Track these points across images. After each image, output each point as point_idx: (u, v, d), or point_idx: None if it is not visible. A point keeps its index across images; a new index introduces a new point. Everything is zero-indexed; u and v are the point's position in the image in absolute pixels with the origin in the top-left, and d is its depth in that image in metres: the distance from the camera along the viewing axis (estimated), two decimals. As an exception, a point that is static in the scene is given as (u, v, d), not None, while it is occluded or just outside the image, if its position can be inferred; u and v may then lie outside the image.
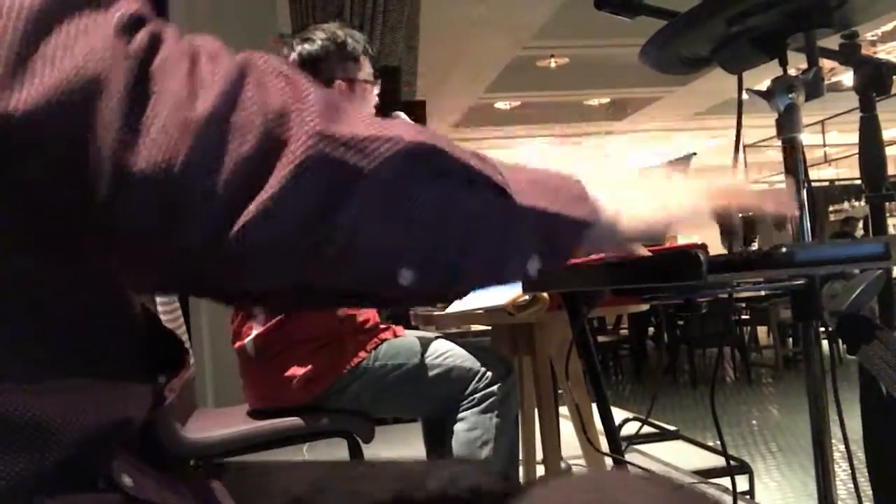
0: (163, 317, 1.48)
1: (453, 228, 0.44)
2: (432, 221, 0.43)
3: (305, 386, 1.65)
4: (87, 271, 0.47)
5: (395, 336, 1.73)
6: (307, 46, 1.72)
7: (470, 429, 1.64)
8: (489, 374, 1.66)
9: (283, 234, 0.38)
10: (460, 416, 1.65)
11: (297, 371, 1.65)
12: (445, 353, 1.68)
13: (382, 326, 1.74)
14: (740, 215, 0.55)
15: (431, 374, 1.66)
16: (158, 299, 1.50)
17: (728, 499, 1.14)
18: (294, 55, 1.72)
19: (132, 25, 0.36)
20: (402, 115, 1.82)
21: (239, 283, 0.42)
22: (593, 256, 0.67)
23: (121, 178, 0.34)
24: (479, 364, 1.67)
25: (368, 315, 1.77)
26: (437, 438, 1.72)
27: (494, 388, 1.66)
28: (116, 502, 0.45)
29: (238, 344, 1.75)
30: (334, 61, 1.71)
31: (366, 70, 1.75)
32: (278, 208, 0.37)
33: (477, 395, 1.65)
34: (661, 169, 0.57)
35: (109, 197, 0.34)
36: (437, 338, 1.79)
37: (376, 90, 1.79)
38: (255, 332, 1.71)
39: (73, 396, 0.43)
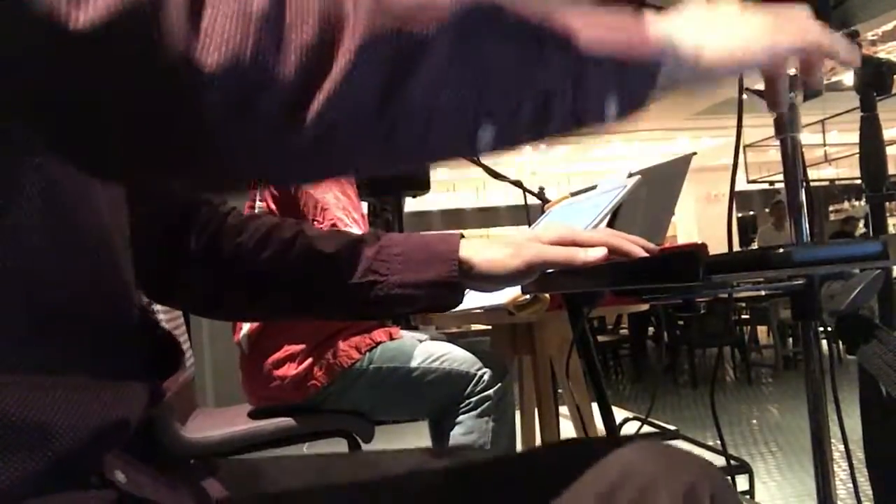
0: (162, 317, 1.48)
1: (522, 81, 0.44)
2: (500, 77, 0.43)
3: (298, 386, 1.65)
4: (87, 269, 0.47)
5: (391, 338, 1.73)
6: None
7: (466, 433, 1.64)
8: (485, 377, 1.66)
9: (357, 111, 0.39)
10: (457, 420, 1.65)
11: (289, 370, 1.65)
12: (442, 356, 1.68)
13: (377, 327, 1.74)
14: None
15: (427, 378, 1.66)
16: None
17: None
18: None
19: None
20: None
21: (325, 168, 0.43)
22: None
23: (195, 76, 0.35)
24: (475, 367, 1.67)
25: None
26: (443, 438, 1.72)
27: (490, 391, 1.66)
28: (110, 499, 0.45)
29: (236, 337, 1.76)
30: None
31: None
32: (347, 88, 0.38)
33: (473, 399, 1.65)
34: (737, 5, 0.56)
35: (187, 96, 0.35)
36: (433, 339, 1.79)
37: None
38: (247, 326, 1.72)
39: (69, 396, 0.44)
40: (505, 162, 10.81)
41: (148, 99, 0.35)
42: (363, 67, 0.38)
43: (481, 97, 0.43)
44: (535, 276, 0.71)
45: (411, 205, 4.09)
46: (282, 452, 1.65)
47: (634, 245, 0.71)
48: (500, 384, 1.68)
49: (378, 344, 1.69)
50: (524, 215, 2.23)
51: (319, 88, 0.37)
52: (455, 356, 1.69)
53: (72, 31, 0.33)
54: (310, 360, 1.65)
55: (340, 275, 0.70)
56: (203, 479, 0.59)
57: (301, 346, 1.66)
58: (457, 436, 1.65)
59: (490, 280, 0.71)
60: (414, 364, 1.67)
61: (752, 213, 13.21)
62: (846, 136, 9.54)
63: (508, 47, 0.43)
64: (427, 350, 1.69)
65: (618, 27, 0.48)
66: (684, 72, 0.51)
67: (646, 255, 0.71)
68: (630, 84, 0.49)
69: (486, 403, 1.65)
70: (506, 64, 0.43)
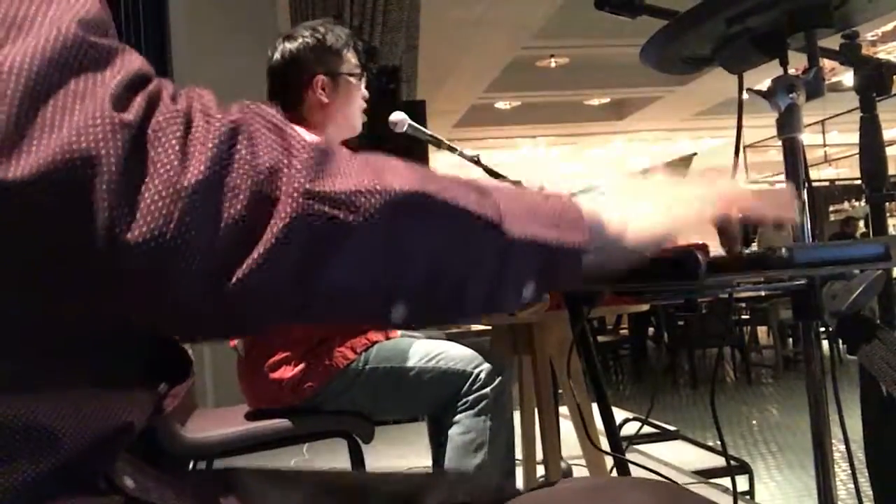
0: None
1: (444, 266, 0.45)
2: (422, 262, 0.44)
3: (296, 388, 1.64)
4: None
5: (387, 338, 1.73)
6: (288, 45, 1.72)
7: (464, 432, 1.64)
8: (482, 376, 1.66)
9: (276, 285, 0.39)
10: (454, 419, 1.65)
11: (286, 373, 1.65)
12: (438, 355, 1.68)
13: (373, 328, 1.73)
14: (739, 217, 0.55)
15: (424, 377, 1.66)
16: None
17: (728, 499, 1.14)
18: (277, 54, 1.72)
19: (129, 89, 0.37)
20: (403, 114, 1.82)
21: (236, 330, 0.45)
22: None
23: (116, 247, 0.35)
24: (471, 366, 1.66)
25: None
26: (442, 438, 1.72)
27: (487, 389, 1.66)
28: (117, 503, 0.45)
29: (232, 342, 1.76)
30: (314, 56, 1.70)
31: (350, 63, 1.74)
32: (270, 264, 0.38)
33: (470, 398, 1.65)
34: (660, 174, 0.56)
35: (105, 263, 0.36)
36: (430, 339, 1.79)
37: (363, 83, 1.78)
38: None
39: (74, 403, 0.44)
40: (505, 162, 10.80)
41: (68, 259, 0.36)
42: (285, 248, 0.38)
43: (398, 281, 0.43)
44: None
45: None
46: (281, 453, 1.65)
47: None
48: (497, 381, 1.68)
49: (374, 343, 1.69)
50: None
51: (240, 264, 0.38)
52: (451, 354, 1.68)
53: (3, 179, 0.33)
54: (306, 361, 1.65)
55: None
56: (210, 485, 0.59)
57: (297, 349, 1.66)
58: (454, 435, 1.65)
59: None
60: (410, 363, 1.66)
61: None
62: (846, 136, 9.53)
63: (435, 235, 0.44)
64: (423, 349, 1.69)
65: (546, 211, 0.48)
66: (610, 248, 0.51)
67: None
68: (553, 271, 0.49)
69: (484, 402, 1.65)
70: (429, 251, 0.44)
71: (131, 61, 0.39)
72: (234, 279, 0.38)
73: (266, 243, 0.38)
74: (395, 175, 0.43)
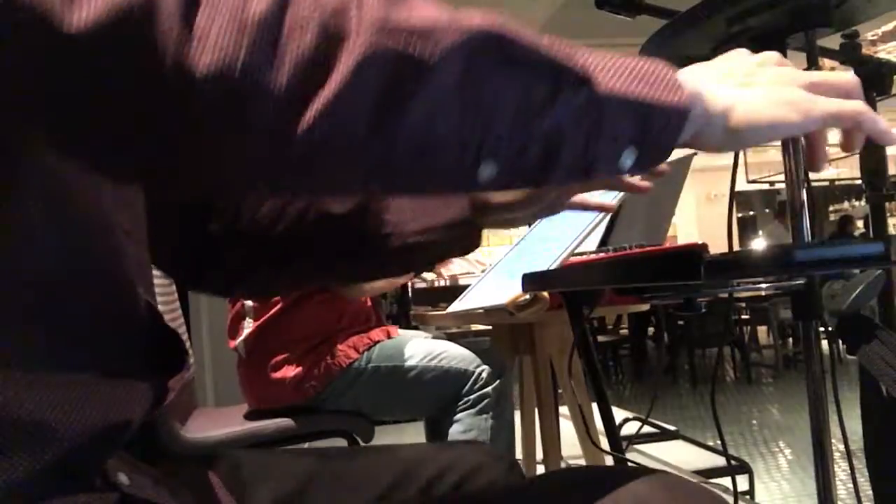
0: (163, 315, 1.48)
1: (531, 119, 0.41)
2: (507, 112, 0.41)
3: (297, 388, 1.65)
4: (92, 266, 0.47)
5: (389, 337, 1.73)
6: None
7: (465, 431, 1.64)
8: (483, 375, 1.66)
9: (351, 129, 0.37)
10: (455, 417, 1.65)
11: (287, 373, 1.65)
12: (440, 354, 1.68)
13: (375, 326, 1.74)
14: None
15: (426, 376, 1.66)
16: (159, 298, 1.50)
17: (728, 498, 1.14)
18: None
19: None
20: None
21: (316, 182, 0.41)
22: (593, 257, 0.67)
23: (186, 82, 0.34)
24: (473, 365, 1.67)
25: (366, 313, 1.76)
26: (440, 437, 1.73)
27: (488, 389, 1.66)
28: (113, 500, 0.45)
29: (232, 344, 1.76)
30: None
31: None
32: (341, 104, 0.36)
33: (472, 397, 1.65)
34: (777, 63, 0.52)
35: (177, 100, 0.35)
36: (432, 338, 1.79)
37: None
38: (245, 333, 1.72)
39: (72, 395, 0.43)
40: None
41: (138, 100, 0.35)
42: (359, 85, 0.36)
43: (485, 132, 0.40)
44: (544, 201, 0.68)
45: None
46: (282, 452, 1.65)
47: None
48: (498, 381, 1.68)
49: (376, 343, 1.69)
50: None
51: (312, 102, 0.36)
52: (453, 354, 1.69)
53: (66, 33, 0.33)
54: (308, 361, 1.65)
55: (355, 231, 0.70)
56: (205, 480, 0.59)
57: (299, 349, 1.66)
58: (455, 434, 1.65)
59: (504, 210, 0.69)
60: (412, 363, 1.67)
61: (752, 213, 13.21)
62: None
63: (520, 82, 0.41)
64: (425, 348, 1.69)
65: (644, 72, 0.44)
66: (711, 130, 0.47)
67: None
68: (651, 134, 0.45)
69: (485, 401, 1.65)
70: (515, 100, 0.41)
71: None
72: (307, 115, 0.36)
73: (339, 79, 0.36)
74: (474, 15, 0.40)
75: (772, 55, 0.53)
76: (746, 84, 0.50)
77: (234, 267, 0.72)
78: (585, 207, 0.76)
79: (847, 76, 0.52)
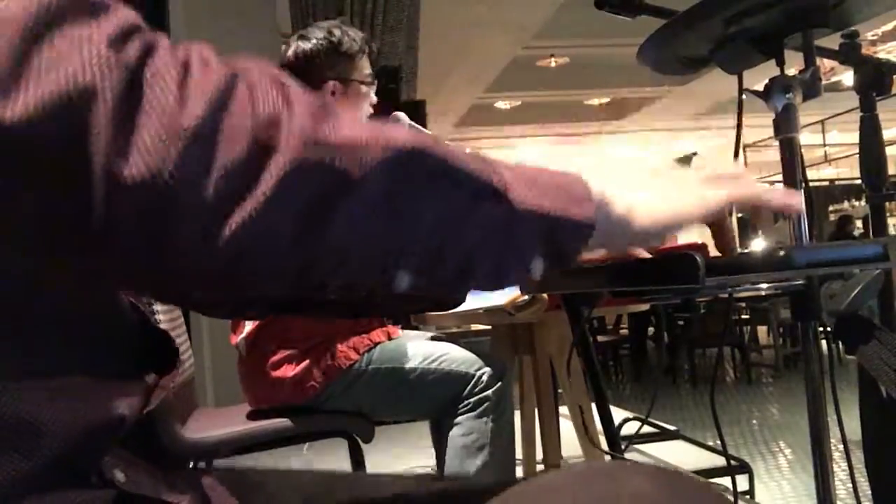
0: (161, 316, 1.48)
1: (449, 233, 0.43)
2: (427, 226, 0.42)
3: (297, 387, 1.64)
4: (73, 271, 0.47)
5: (390, 338, 1.72)
6: (302, 44, 1.72)
7: (465, 433, 1.64)
8: (484, 378, 1.66)
9: (274, 238, 0.38)
10: (455, 420, 1.65)
11: (287, 372, 1.65)
12: (440, 356, 1.68)
13: (376, 327, 1.73)
14: (737, 216, 0.55)
15: (426, 379, 1.65)
16: (158, 299, 1.49)
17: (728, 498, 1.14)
18: (290, 53, 1.72)
19: (125, 36, 0.37)
20: (403, 115, 1.82)
21: (234, 291, 0.43)
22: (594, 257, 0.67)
23: (112, 186, 0.34)
24: (474, 368, 1.66)
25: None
26: (442, 439, 1.72)
27: (489, 392, 1.65)
28: (109, 498, 0.45)
29: (233, 340, 1.76)
30: (328, 59, 1.71)
31: (362, 70, 1.74)
32: (268, 213, 0.37)
33: (472, 400, 1.65)
34: (667, 165, 0.55)
35: (102, 203, 0.35)
36: (432, 339, 1.79)
37: (373, 91, 1.78)
38: (246, 331, 1.72)
39: (61, 395, 0.43)
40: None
41: (64, 197, 0.35)
42: (284, 197, 0.37)
43: (403, 245, 0.42)
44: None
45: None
46: (282, 453, 1.65)
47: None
48: (499, 384, 1.68)
49: (376, 344, 1.69)
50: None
51: (236, 212, 0.37)
52: (454, 356, 1.68)
53: (1, 122, 0.33)
54: (308, 361, 1.65)
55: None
56: (204, 479, 0.59)
57: (299, 348, 1.66)
58: (455, 436, 1.65)
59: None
60: (413, 364, 1.66)
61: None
62: (846, 136, 9.53)
63: (439, 199, 0.43)
64: (426, 350, 1.69)
65: (554, 185, 0.47)
66: (617, 232, 0.50)
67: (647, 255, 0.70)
68: (559, 245, 0.48)
69: (486, 404, 1.65)
70: (435, 214, 0.42)
71: (127, 13, 0.38)
72: (232, 225, 0.37)
73: (265, 189, 0.37)
74: (399, 132, 0.42)
75: (666, 161, 0.57)
76: (645, 187, 0.53)
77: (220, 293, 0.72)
78: None
79: (735, 166, 0.58)
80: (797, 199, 0.56)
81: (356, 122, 0.41)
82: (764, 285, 0.92)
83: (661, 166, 0.55)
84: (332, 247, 0.40)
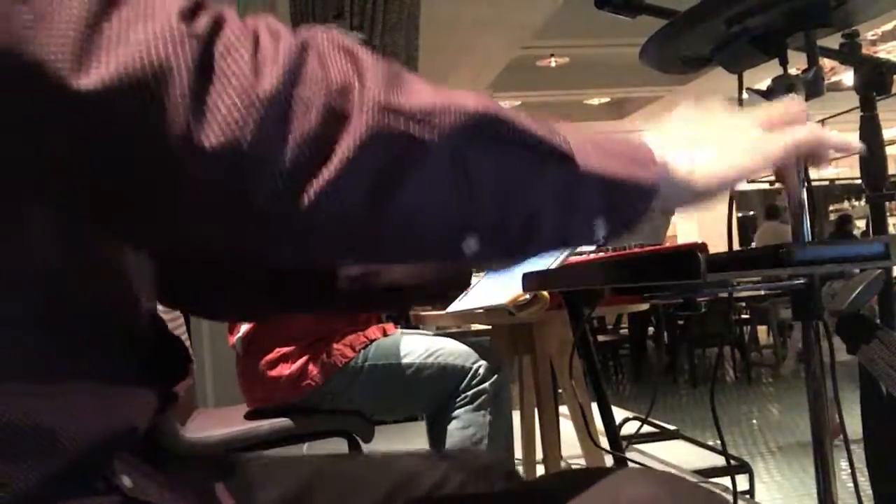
0: (164, 317, 1.48)
1: (517, 196, 0.44)
2: (496, 190, 0.43)
3: (294, 385, 1.65)
4: (97, 275, 0.47)
5: (385, 334, 1.72)
6: None
7: (464, 427, 1.64)
8: (480, 371, 1.66)
9: (348, 206, 0.38)
10: (453, 414, 1.65)
11: (283, 370, 1.65)
12: (436, 351, 1.68)
13: (372, 324, 1.73)
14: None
15: (423, 373, 1.66)
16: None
17: (728, 498, 1.14)
18: None
19: (193, 9, 0.37)
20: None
21: (308, 255, 0.42)
22: (593, 256, 0.67)
23: (192, 154, 0.35)
24: (470, 361, 1.67)
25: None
26: (440, 435, 1.72)
27: (486, 385, 1.66)
28: (114, 503, 0.45)
29: (231, 339, 1.76)
30: None
31: None
32: (343, 181, 0.38)
33: (469, 393, 1.65)
34: (726, 113, 0.54)
35: (182, 172, 0.35)
36: (428, 335, 1.79)
37: None
38: (242, 330, 1.72)
39: (76, 402, 0.44)
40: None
41: (142, 167, 0.36)
42: (360, 165, 0.38)
43: (472, 210, 0.42)
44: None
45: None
46: (282, 452, 1.65)
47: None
48: (495, 377, 1.68)
49: (372, 341, 1.69)
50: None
51: (313, 180, 0.37)
52: (450, 350, 1.68)
53: (75, 92, 0.33)
54: (304, 358, 1.65)
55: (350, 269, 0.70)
56: (208, 482, 0.59)
57: (295, 346, 1.66)
58: (453, 430, 1.65)
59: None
60: (409, 360, 1.67)
61: (752, 213, 13.21)
62: (846, 135, 9.51)
63: (508, 163, 0.43)
64: (422, 345, 1.69)
65: (618, 149, 0.48)
66: (678, 194, 0.50)
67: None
68: (624, 208, 0.48)
69: (483, 397, 1.65)
70: (502, 179, 0.43)
71: None
72: (309, 191, 0.37)
73: (340, 158, 0.37)
74: (468, 97, 0.42)
75: (717, 103, 0.56)
76: (703, 141, 0.53)
77: (186, 287, 0.71)
78: None
79: (791, 104, 0.55)
80: (855, 142, 0.56)
81: (427, 89, 0.41)
82: (764, 284, 0.92)
83: (720, 117, 0.54)
84: (405, 212, 0.40)
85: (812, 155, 0.55)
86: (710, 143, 0.52)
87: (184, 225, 0.38)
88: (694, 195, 0.51)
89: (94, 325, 0.47)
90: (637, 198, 0.48)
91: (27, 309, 0.43)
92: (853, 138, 0.55)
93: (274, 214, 0.37)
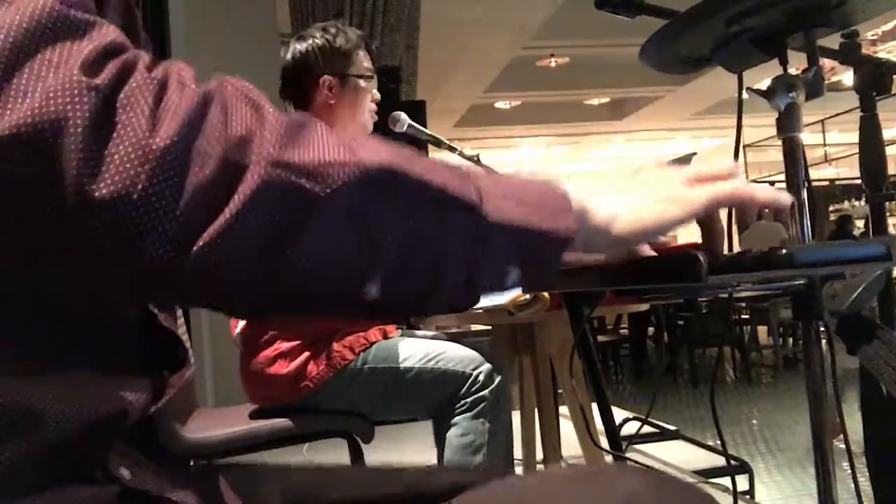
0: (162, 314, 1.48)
1: (419, 249, 0.44)
2: (394, 243, 0.43)
3: (292, 385, 1.64)
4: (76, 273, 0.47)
5: (386, 337, 1.72)
6: (298, 45, 1.73)
7: (462, 434, 1.63)
8: (480, 377, 1.65)
9: (241, 257, 0.39)
10: (452, 421, 1.65)
11: (281, 369, 1.64)
12: (436, 356, 1.67)
13: (372, 326, 1.73)
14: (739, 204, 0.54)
15: (422, 378, 1.65)
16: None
17: (728, 498, 1.14)
18: (288, 55, 1.74)
19: (102, 58, 0.38)
20: (403, 115, 1.82)
21: (204, 300, 0.43)
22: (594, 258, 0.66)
23: (83, 206, 0.36)
24: (470, 367, 1.66)
25: None
26: (442, 438, 1.72)
27: (485, 391, 1.65)
28: (114, 494, 0.45)
29: (233, 332, 1.76)
30: (323, 57, 1.72)
31: (360, 65, 1.75)
32: (235, 232, 0.38)
33: (468, 400, 1.64)
34: (650, 166, 0.55)
35: (73, 222, 0.36)
36: (430, 338, 1.78)
37: (374, 86, 1.78)
38: (240, 325, 1.72)
39: (67, 386, 0.44)
40: (505, 162, 10.80)
41: (35, 217, 0.36)
42: (251, 216, 0.38)
43: (371, 260, 0.42)
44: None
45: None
46: (282, 453, 1.65)
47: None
48: (495, 384, 1.67)
49: (372, 344, 1.69)
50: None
51: (204, 231, 0.38)
52: (450, 356, 1.68)
53: None
54: (302, 358, 1.65)
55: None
56: (209, 478, 0.59)
57: (293, 344, 1.65)
58: (452, 437, 1.64)
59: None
60: (409, 364, 1.66)
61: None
62: (846, 135, 9.54)
63: (409, 213, 0.43)
64: (422, 350, 1.69)
65: (534, 198, 0.47)
66: (598, 240, 0.51)
67: (652, 253, 0.69)
68: (537, 257, 0.48)
69: (482, 404, 1.64)
70: (401, 230, 0.43)
71: (107, 33, 0.39)
72: (200, 243, 0.38)
73: (232, 210, 0.38)
74: (369, 151, 0.42)
75: (649, 161, 0.56)
76: (626, 190, 0.53)
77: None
78: None
79: (724, 162, 0.56)
80: (785, 196, 0.55)
81: (330, 143, 0.42)
82: (764, 284, 0.92)
83: (643, 168, 0.55)
84: (299, 264, 0.40)
85: (739, 208, 0.55)
86: (631, 192, 0.53)
87: (79, 272, 0.39)
88: (614, 242, 0.51)
89: (83, 310, 0.48)
90: (550, 247, 0.48)
91: (19, 296, 0.43)
92: (783, 194, 0.56)
93: (165, 264, 0.38)
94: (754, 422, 4.12)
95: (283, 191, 0.39)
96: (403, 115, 1.80)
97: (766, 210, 0.57)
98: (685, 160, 1.64)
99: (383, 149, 0.43)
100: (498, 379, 1.68)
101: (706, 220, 0.55)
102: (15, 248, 0.38)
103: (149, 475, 0.48)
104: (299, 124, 0.42)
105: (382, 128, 1.82)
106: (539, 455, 2.22)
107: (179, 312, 1.71)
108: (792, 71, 0.81)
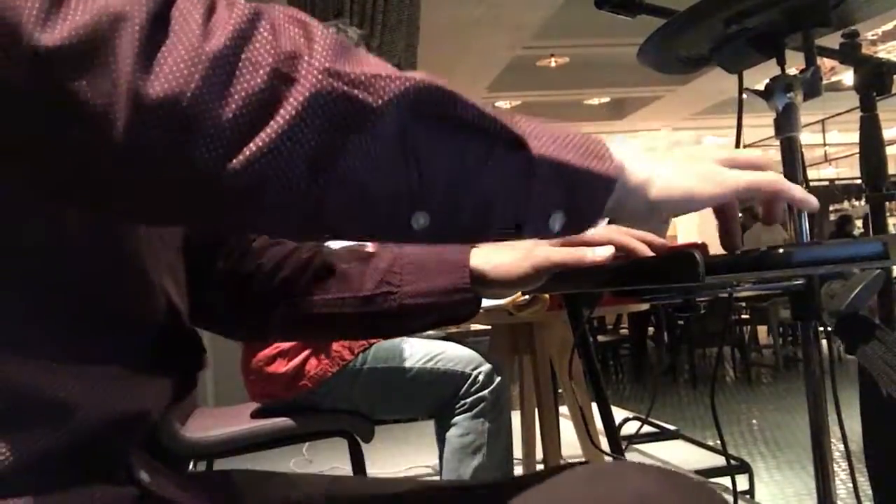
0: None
1: (468, 180, 0.43)
2: (442, 167, 0.42)
3: (290, 385, 1.64)
4: (111, 252, 0.48)
5: (385, 337, 1.72)
6: None
7: (462, 434, 1.64)
8: (480, 377, 1.65)
9: (291, 165, 0.38)
10: (452, 421, 1.65)
11: (279, 367, 1.65)
12: (436, 356, 1.67)
13: None
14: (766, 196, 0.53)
15: (422, 378, 1.65)
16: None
17: (728, 498, 1.14)
18: None
19: None
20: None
21: (247, 217, 0.42)
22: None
23: (136, 105, 0.36)
24: (470, 367, 1.66)
25: None
26: (442, 438, 1.72)
27: (485, 392, 1.65)
28: (133, 495, 0.46)
29: None
30: None
31: None
32: (284, 142, 0.38)
33: (468, 401, 1.64)
34: (691, 141, 0.54)
35: (124, 122, 0.36)
36: (429, 338, 1.78)
37: None
38: None
39: (91, 379, 0.45)
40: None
41: (87, 123, 0.36)
42: (303, 126, 0.38)
43: (419, 183, 0.42)
44: (543, 279, 0.70)
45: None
46: (282, 452, 1.65)
47: (640, 243, 0.70)
48: (495, 384, 1.67)
49: (372, 344, 1.69)
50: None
51: (254, 138, 0.37)
52: (450, 356, 1.68)
53: (34, 49, 0.34)
54: (301, 357, 1.65)
55: (353, 287, 0.70)
56: (224, 484, 0.59)
57: (292, 343, 1.65)
58: (452, 437, 1.64)
59: (501, 285, 0.70)
60: (408, 364, 1.66)
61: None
62: (846, 135, 9.53)
63: (457, 138, 0.43)
64: (422, 350, 1.69)
65: (576, 141, 0.47)
66: (632, 200, 0.50)
67: (650, 254, 0.70)
68: (581, 199, 0.47)
69: (482, 404, 1.65)
70: (451, 155, 0.42)
71: None
72: (249, 150, 0.37)
73: (282, 118, 0.38)
74: (420, 75, 0.42)
75: (690, 136, 0.55)
76: (664, 159, 0.52)
77: (228, 311, 0.72)
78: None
79: (760, 153, 0.55)
80: (814, 200, 0.55)
81: (378, 62, 0.41)
82: (764, 285, 0.92)
83: (682, 142, 0.55)
84: (347, 180, 0.40)
85: (768, 201, 0.54)
86: (669, 161, 0.52)
87: (126, 181, 0.38)
88: (647, 206, 0.50)
89: (110, 311, 0.48)
90: (594, 189, 0.47)
91: (49, 293, 0.44)
92: (813, 198, 0.55)
93: (214, 167, 0.37)
94: (754, 422, 4.12)
95: (335, 99, 0.39)
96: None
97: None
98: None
99: (432, 77, 0.43)
100: (498, 379, 1.68)
101: (728, 210, 0.55)
102: (59, 160, 0.38)
103: (165, 480, 0.49)
104: (348, 45, 0.41)
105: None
106: (539, 455, 2.22)
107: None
108: (792, 71, 0.81)
